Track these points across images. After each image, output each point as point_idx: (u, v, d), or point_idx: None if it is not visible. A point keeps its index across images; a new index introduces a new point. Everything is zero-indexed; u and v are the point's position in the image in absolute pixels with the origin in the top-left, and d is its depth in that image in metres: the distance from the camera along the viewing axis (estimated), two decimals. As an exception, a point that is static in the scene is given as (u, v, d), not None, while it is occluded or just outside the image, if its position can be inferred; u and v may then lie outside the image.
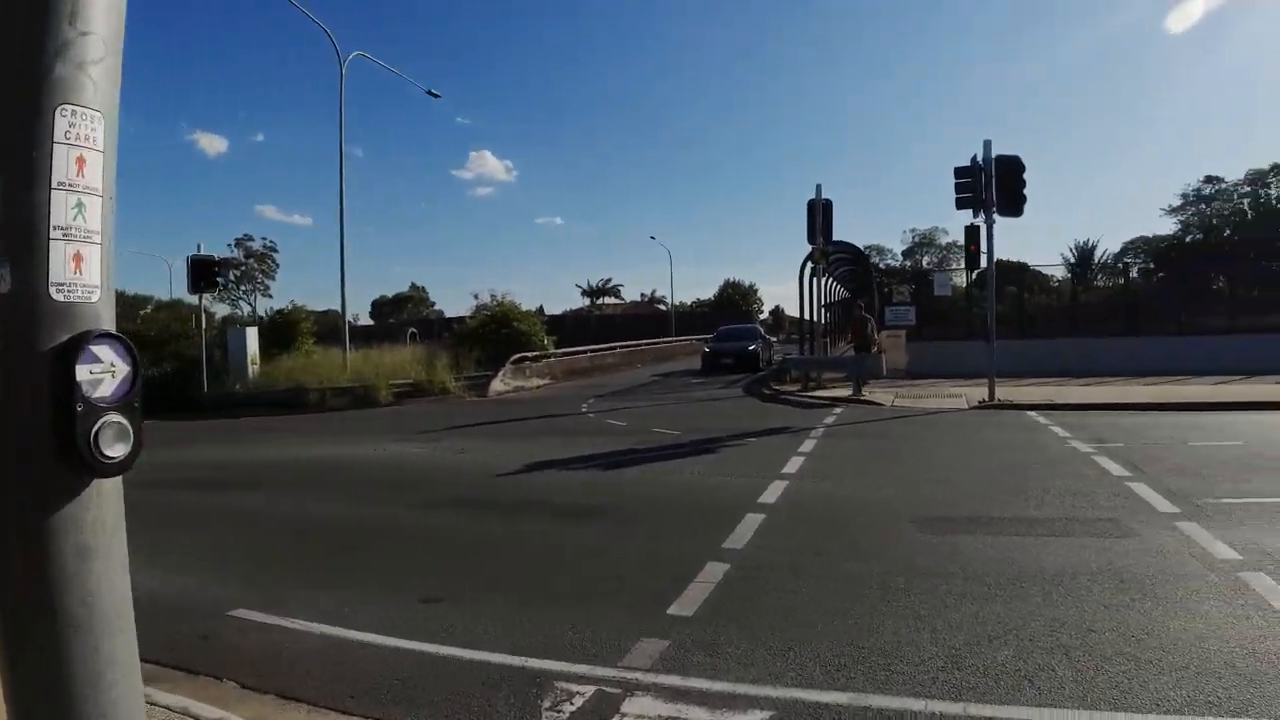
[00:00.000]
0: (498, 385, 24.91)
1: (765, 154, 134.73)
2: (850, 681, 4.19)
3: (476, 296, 33.40)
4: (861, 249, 32.76)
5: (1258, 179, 68.34)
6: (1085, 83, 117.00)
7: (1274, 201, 67.50)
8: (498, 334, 29.92)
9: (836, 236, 22.79)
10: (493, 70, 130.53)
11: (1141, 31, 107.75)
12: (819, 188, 20.70)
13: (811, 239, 21.13)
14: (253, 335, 26.08)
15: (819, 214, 20.58)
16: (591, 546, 7.03)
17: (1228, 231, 66.64)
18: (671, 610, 5.27)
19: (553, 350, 31.40)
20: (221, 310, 74.19)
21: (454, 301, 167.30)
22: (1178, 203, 71.71)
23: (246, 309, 78.30)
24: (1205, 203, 70.83)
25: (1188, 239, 66.86)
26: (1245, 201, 69.40)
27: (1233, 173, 72.33)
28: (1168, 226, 71.41)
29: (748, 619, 5.09)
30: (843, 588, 5.64)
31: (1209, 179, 70.51)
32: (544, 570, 6.36)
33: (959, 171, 17.93)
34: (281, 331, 29.54)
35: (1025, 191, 17.64)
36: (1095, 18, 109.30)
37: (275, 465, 12.33)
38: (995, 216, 17.61)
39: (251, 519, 8.69)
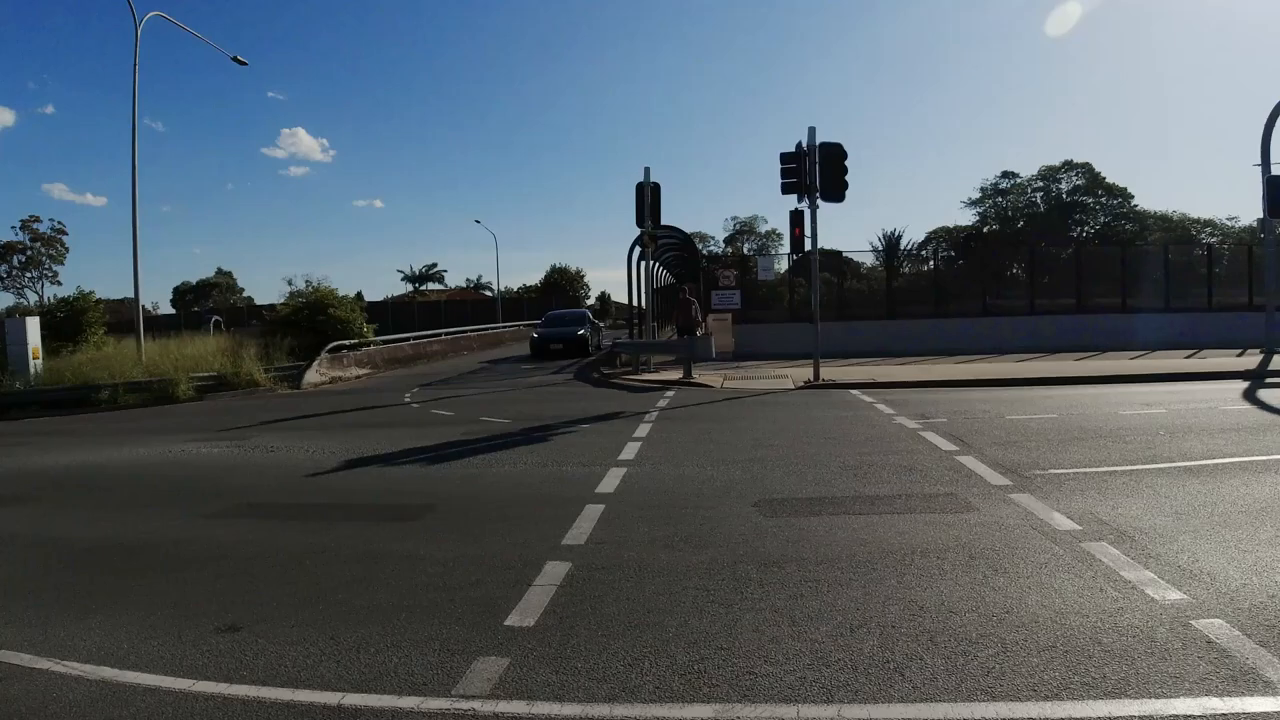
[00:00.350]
0: (313, 376, 23.34)
1: (593, 140, 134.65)
2: (714, 691, 3.77)
3: (290, 282, 31.39)
4: (688, 234, 33.00)
5: (1049, 174, 74.87)
6: (919, 78, 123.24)
7: (1064, 195, 74.18)
8: (313, 321, 28.12)
9: (664, 223, 22.72)
10: (306, 43, 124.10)
11: (1013, 32, 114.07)
12: (647, 171, 20.55)
13: (640, 222, 20.92)
14: (34, 326, 23.23)
15: (647, 197, 20.38)
16: (417, 553, 6.26)
17: (1021, 223, 72.70)
18: (510, 621, 4.69)
19: (373, 338, 29.82)
20: (5, 300, 67.31)
21: (265, 288, 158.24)
22: (977, 195, 77.44)
23: (33, 298, 71.36)
24: (1002, 195, 76.73)
25: (985, 229, 72.13)
26: (1038, 195, 75.85)
27: (1027, 169, 78.74)
28: (967, 218, 76.92)
29: (595, 625, 4.59)
30: (694, 582, 5.24)
31: (1005, 174, 76.82)
32: (362, 584, 5.58)
33: (785, 157, 18.11)
34: (68, 322, 26.80)
35: (847, 178, 18.03)
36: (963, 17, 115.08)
37: (52, 474, 10.74)
38: (819, 201, 17.90)
39: (20, 540, 7.28)
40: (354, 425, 14.36)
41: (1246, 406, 12.65)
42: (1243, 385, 15.49)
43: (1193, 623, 4.28)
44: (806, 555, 5.72)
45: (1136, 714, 3.40)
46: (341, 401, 18.31)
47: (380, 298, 74.61)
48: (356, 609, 5.05)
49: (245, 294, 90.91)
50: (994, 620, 4.44)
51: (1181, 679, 3.68)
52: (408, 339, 32.99)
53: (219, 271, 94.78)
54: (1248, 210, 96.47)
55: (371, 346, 29.06)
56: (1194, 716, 3.36)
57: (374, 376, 25.74)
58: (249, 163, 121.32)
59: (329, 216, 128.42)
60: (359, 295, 51.30)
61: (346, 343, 27.05)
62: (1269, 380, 16.27)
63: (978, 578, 5.15)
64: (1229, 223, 70.02)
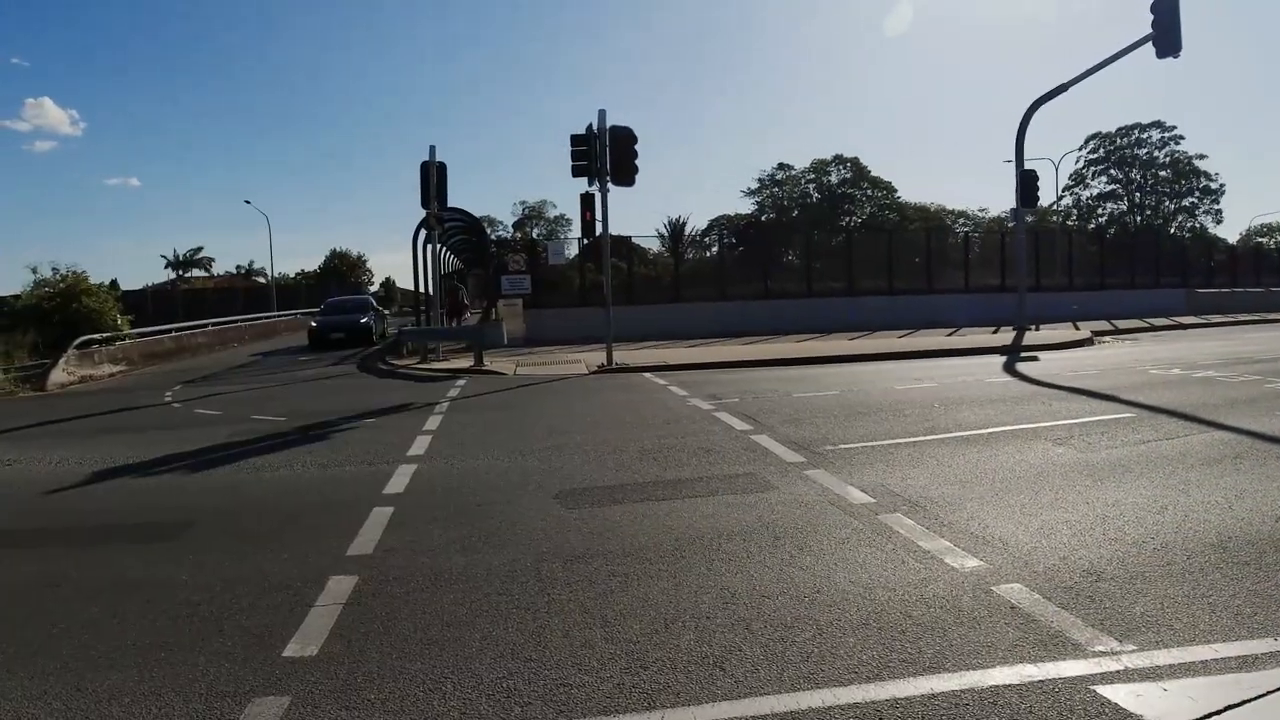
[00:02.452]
0: (60, 376, 20.75)
1: (373, 118, 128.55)
2: (526, 710, 3.37)
3: (35, 270, 27.88)
4: (476, 217, 32.19)
5: (820, 167, 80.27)
6: (705, 70, 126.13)
7: (834, 187, 79.63)
8: (63, 312, 25.24)
9: (450, 204, 21.96)
10: (50, 3, 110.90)
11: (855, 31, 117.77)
12: (433, 150, 19.69)
13: (425, 204, 20.08)
14: None
15: (433, 177, 19.54)
16: (176, 578, 5.35)
17: (796, 212, 77.72)
18: (289, 651, 4.05)
19: (129, 331, 27.05)
20: None
21: (5, 278, 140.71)
22: (755, 185, 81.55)
23: None
24: (778, 186, 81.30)
25: (764, 218, 76.16)
26: (811, 186, 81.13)
27: (801, 161, 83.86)
28: (747, 206, 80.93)
29: (388, 647, 4.06)
30: (496, 586, 4.81)
31: (781, 165, 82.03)
32: (112, 620, 4.68)
33: (575, 140, 17.91)
34: None
35: (637, 162, 18.06)
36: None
37: None
38: (610, 185, 17.83)
39: None
40: (106, 430, 12.75)
41: (1008, 379, 13.70)
42: (1001, 359, 16.90)
43: (994, 589, 4.35)
44: (613, 548, 5.44)
45: (957, 687, 3.35)
46: (93, 403, 16.30)
47: (139, 286, 67.94)
48: (106, 651, 4.22)
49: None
50: (806, 601, 4.33)
51: (994, 647, 3.69)
52: (169, 331, 30.14)
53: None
54: (996, 202, 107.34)
55: (127, 340, 26.31)
56: (1013, 685, 3.34)
57: (131, 374, 23.26)
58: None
59: (79, 196, 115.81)
60: (113, 284, 46.58)
61: (98, 337, 24.33)
62: (1023, 354, 17.86)
63: (784, 558, 5.06)
64: (980, 214, 77.98)
